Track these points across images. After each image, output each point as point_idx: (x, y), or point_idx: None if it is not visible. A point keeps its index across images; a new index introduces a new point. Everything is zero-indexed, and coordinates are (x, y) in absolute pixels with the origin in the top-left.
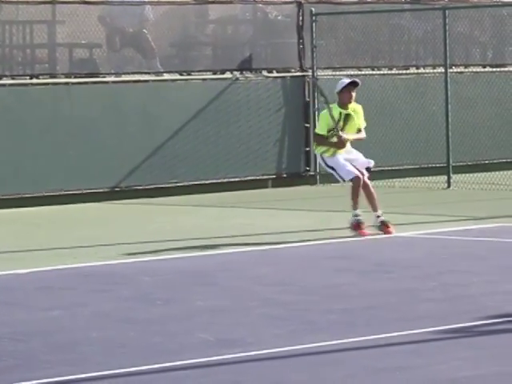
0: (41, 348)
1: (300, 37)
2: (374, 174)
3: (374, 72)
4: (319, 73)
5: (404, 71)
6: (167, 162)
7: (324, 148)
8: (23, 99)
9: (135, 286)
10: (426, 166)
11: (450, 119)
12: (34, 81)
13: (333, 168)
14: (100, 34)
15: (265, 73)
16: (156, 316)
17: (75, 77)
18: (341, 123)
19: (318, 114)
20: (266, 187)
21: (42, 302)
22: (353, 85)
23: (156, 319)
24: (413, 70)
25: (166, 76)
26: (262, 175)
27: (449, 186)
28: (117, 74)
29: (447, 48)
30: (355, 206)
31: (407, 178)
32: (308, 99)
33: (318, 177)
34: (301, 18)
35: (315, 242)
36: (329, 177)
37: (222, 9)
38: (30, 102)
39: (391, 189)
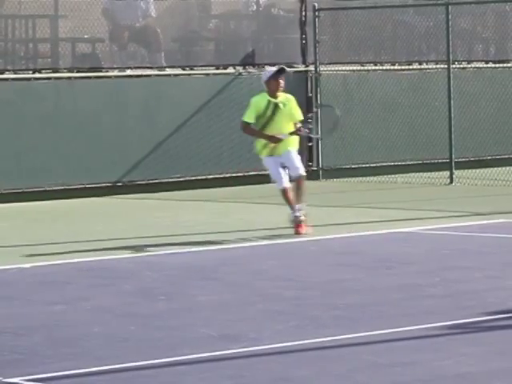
0: (43, 342)
1: (303, 32)
2: (376, 170)
3: (377, 67)
4: (322, 68)
5: (407, 67)
6: (169, 157)
7: (260, 145)
8: (26, 94)
9: (137, 281)
10: (428, 161)
11: (452, 115)
12: (37, 75)
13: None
14: (103, 28)
15: (267, 68)
16: (158, 311)
17: (78, 71)
18: (268, 112)
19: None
20: (269, 182)
21: (44, 297)
22: (280, 73)
23: (158, 314)
24: (415, 66)
25: (169, 71)
26: (265, 170)
27: (451, 182)
28: (119, 69)
29: (450, 44)
30: (292, 207)
31: (410, 174)
32: (310, 94)
33: (320, 172)
34: (304, 13)
35: (319, 237)
36: (332, 172)
37: (224, 4)
38: (33, 96)
39: (394, 184)
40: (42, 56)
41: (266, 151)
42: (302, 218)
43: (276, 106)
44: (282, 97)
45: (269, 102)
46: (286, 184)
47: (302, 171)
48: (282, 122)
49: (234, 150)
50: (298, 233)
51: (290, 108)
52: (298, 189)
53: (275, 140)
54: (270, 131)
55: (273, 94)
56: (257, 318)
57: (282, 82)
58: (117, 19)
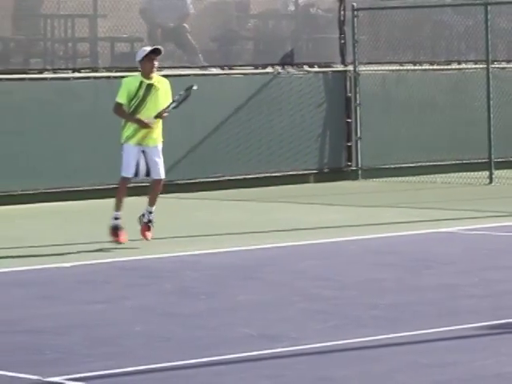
0: (83, 342)
1: (341, 32)
2: (415, 170)
3: (416, 67)
4: (361, 68)
5: (446, 67)
6: (208, 157)
7: (129, 132)
8: (65, 93)
9: (178, 280)
10: (467, 161)
11: (491, 115)
12: (76, 75)
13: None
14: (141, 27)
15: (306, 67)
16: (198, 310)
17: (116, 71)
18: (140, 93)
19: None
20: (308, 182)
21: (84, 296)
22: (155, 53)
23: (198, 313)
24: (454, 66)
25: (208, 70)
26: (304, 170)
27: (491, 182)
28: (158, 69)
29: (489, 43)
30: (117, 206)
31: (449, 174)
32: (349, 94)
33: (359, 172)
34: (342, 12)
35: (358, 236)
36: (371, 172)
37: (263, 3)
38: (72, 95)
39: (433, 184)
40: (80, 55)
41: (134, 140)
42: (150, 221)
43: (149, 87)
44: (157, 79)
45: (141, 82)
46: (131, 175)
47: (163, 175)
48: (154, 105)
49: (273, 149)
50: (145, 236)
51: (165, 91)
52: (155, 191)
53: (144, 125)
54: (141, 115)
55: (146, 75)
56: (297, 317)
57: (156, 63)
58: (154, 18)
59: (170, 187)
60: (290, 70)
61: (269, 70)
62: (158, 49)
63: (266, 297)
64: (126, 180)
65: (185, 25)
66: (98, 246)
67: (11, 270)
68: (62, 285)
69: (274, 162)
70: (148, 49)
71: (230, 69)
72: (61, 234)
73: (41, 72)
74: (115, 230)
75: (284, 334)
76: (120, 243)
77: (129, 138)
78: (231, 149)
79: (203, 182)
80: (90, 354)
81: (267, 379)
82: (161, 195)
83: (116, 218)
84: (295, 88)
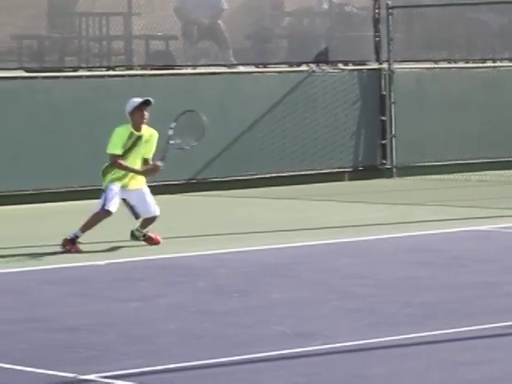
0: (118, 340)
1: (376, 29)
2: (450, 168)
3: (451, 65)
4: (395, 66)
5: (481, 64)
6: (243, 155)
7: (117, 175)
8: (99, 91)
9: (212, 278)
10: (502, 159)
11: None
12: (111, 73)
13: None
14: (176, 25)
15: (341, 65)
16: (232, 308)
17: (151, 69)
18: (129, 144)
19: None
20: (343, 180)
21: (119, 294)
22: (146, 104)
23: (232, 311)
24: (489, 64)
25: (242, 68)
26: (339, 168)
27: None
28: (193, 66)
29: None
30: (83, 229)
31: (484, 172)
32: (384, 92)
33: (394, 170)
34: (377, 10)
35: (393, 234)
36: (406, 170)
37: (297, 1)
38: (107, 93)
39: (467, 182)
40: (115, 53)
41: (119, 181)
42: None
43: (138, 138)
44: (146, 130)
45: (131, 133)
46: (112, 209)
47: (158, 211)
48: (137, 156)
49: (308, 147)
50: (157, 241)
51: (152, 143)
52: (151, 222)
53: (151, 173)
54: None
55: (136, 126)
56: (332, 315)
57: (146, 114)
58: (188, 16)
59: (204, 185)
60: (325, 67)
61: (303, 68)
62: (148, 100)
63: (301, 295)
64: (109, 214)
65: (219, 22)
66: (132, 244)
67: (46, 268)
68: (96, 283)
69: (309, 160)
70: (138, 100)
71: (265, 67)
72: (96, 232)
73: (75, 70)
74: (72, 241)
75: (318, 332)
76: (77, 251)
77: (114, 180)
78: (265, 147)
79: (237, 179)
80: (124, 352)
81: (302, 377)
82: (193, 193)
83: (77, 237)
84: (330, 86)
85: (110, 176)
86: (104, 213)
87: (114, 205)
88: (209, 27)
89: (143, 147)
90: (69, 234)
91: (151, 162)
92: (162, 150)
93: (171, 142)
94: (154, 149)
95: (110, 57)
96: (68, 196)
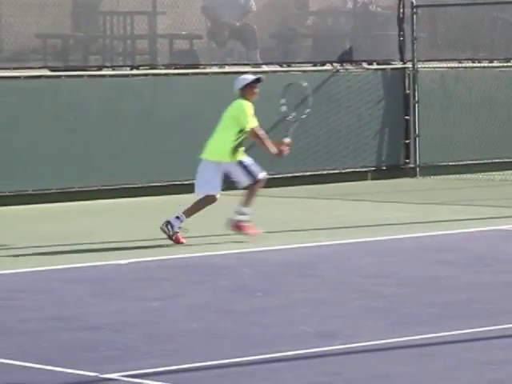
0: (140, 339)
1: (400, 29)
2: (473, 167)
3: (475, 64)
4: (419, 65)
5: (505, 64)
6: (266, 154)
7: (233, 149)
8: (123, 90)
9: (234, 278)
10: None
11: None
12: (135, 72)
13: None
14: (200, 25)
15: (365, 65)
16: (255, 307)
17: (175, 68)
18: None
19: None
20: (366, 179)
21: (141, 293)
22: (258, 81)
23: (255, 310)
24: None
25: (266, 68)
26: (362, 167)
27: None
28: (217, 66)
29: None
30: (246, 204)
31: (507, 171)
32: (408, 91)
33: (417, 169)
34: (401, 9)
35: (415, 234)
36: (429, 169)
37: (322, 0)
38: (131, 92)
39: (491, 182)
40: (139, 53)
41: (236, 156)
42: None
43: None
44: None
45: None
46: (262, 176)
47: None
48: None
49: (331, 146)
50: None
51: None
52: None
53: (279, 151)
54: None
55: (250, 100)
56: (354, 315)
57: (256, 91)
58: (216, 16)
59: (227, 184)
60: (349, 67)
61: (327, 67)
62: (260, 78)
63: (323, 294)
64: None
65: (248, 22)
66: (154, 243)
67: (68, 267)
68: (118, 282)
69: (332, 159)
70: (251, 77)
71: (289, 66)
72: (118, 231)
73: (100, 69)
74: (241, 224)
75: (340, 332)
76: (251, 235)
77: (234, 155)
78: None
79: None
80: (146, 351)
81: (324, 376)
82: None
83: (243, 214)
84: (354, 85)
85: (229, 153)
86: (261, 182)
87: (261, 172)
88: (234, 26)
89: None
90: (236, 216)
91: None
92: (285, 128)
93: (289, 117)
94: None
95: (134, 56)
96: (91, 195)
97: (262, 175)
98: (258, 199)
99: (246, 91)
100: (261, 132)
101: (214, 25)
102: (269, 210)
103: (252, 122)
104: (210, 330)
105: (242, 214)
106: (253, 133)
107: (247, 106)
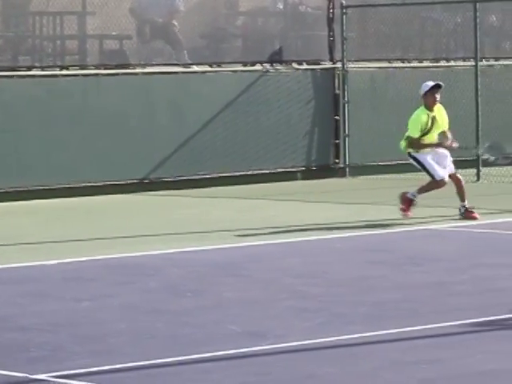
0: (69, 339)
1: (330, 29)
2: (402, 167)
3: (404, 65)
4: (349, 65)
5: (434, 64)
6: (196, 154)
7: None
8: (53, 90)
9: (164, 278)
10: (455, 159)
11: (479, 112)
12: (64, 72)
13: (422, 164)
14: (130, 25)
15: (295, 65)
16: (185, 307)
17: (105, 68)
18: (429, 125)
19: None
20: (296, 179)
21: (70, 293)
22: (438, 87)
23: (185, 311)
24: (443, 63)
25: (196, 68)
26: (292, 167)
27: (478, 179)
28: (147, 66)
29: (478, 41)
30: (420, 192)
31: None
32: (338, 91)
33: (347, 169)
34: (331, 10)
35: (345, 234)
36: (359, 169)
37: (252, 1)
38: (60, 93)
39: (420, 182)
40: (69, 53)
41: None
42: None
43: (434, 118)
44: (437, 108)
45: (428, 115)
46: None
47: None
48: (435, 131)
49: (261, 146)
50: (473, 218)
51: (444, 118)
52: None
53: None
54: (424, 140)
55: (430, 108)
56: (284, 314)
57: (437, 97)
58: (143, 15)
59: (157, 184)
60: (279, 67)
61: (257, 67)
62: (439, 84)
63: (253, 294)
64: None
65: (174, 22)
66: (84, 244)
67: None
68: (47, 282)
69: (262, 160)
70: (431, 84)
71: (219, 66)
72: (47, 232)
73: (29, 69)
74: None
75: (270, 332)
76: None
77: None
78: (219, 146)
79: (191, 179)
80: (76, 352)
81: (254, 376)
82: (147, 192)
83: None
84: (284, 85)
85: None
86: (440, 183)
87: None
88: (162, 27)
89: (439, 123)
90: (409, 192)
91: (448, 132)
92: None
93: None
94: (447, 120)
95: (64, 56)
96: (22, 195)
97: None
98: (187, 200)
99: (427, 98)
100: (420, 144)
101: (141, 24)
102: (199, 211)
103: (412, 132)
104: (140, 331)
105: (413, 195)
106: (413, 141)
107: (417, 116)
